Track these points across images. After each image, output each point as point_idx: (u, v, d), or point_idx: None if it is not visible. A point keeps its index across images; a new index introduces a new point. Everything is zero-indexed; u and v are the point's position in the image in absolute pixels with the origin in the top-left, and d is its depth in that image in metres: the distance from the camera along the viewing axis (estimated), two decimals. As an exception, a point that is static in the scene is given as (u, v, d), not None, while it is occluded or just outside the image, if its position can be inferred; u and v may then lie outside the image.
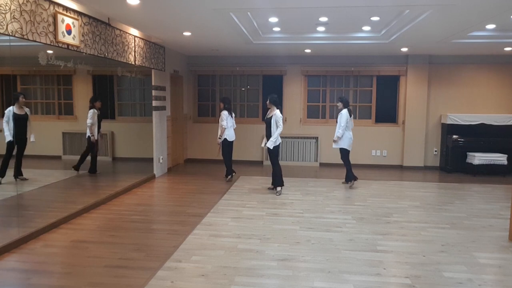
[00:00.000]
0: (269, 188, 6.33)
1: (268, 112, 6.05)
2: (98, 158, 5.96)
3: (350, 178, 6.54)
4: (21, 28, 3.60)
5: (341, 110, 6.50)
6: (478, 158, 7.55)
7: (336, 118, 6.64)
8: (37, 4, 3.81)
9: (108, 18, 5.16)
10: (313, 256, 3.59)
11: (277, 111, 5.88)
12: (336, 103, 7.58)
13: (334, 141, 6.52)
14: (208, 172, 7.80)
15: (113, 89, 6.35)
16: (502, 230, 4.37)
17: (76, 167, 5.68)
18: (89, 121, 5.54)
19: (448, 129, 8.02)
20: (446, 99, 8.36)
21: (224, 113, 6.76)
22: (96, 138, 5.63)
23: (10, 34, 3.47)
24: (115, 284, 3.02)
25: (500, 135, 7.82)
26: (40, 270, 3.27)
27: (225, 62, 8.76)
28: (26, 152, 4.80)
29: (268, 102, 5.97)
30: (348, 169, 6.56)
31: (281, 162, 8.65)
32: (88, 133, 5.57)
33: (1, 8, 3.36)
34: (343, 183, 6.81)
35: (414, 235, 4.21)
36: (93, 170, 5.83)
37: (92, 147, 5.67)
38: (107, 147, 6.19)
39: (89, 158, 5.74)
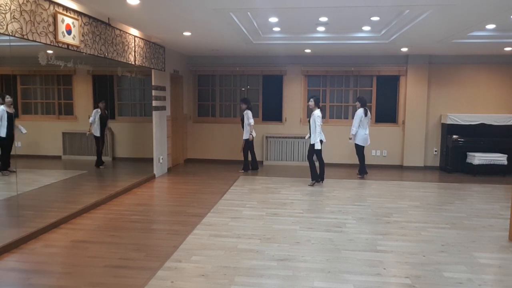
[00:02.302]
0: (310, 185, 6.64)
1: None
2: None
3: (363, 171, 7.35)
4: (21, 28, 3.60)
5: (358, 109, 7.17)
6: (478, 158, 7.55)
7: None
8: (37, 4, 3.81)
9: (108, 18, 5.16)
10: (313, 256, 3.59)
11: (317, 111, 6.46)
12: (353, 102, 8.11)
13: (350, 138, 7.32)
14: (208, 172, 7.80)
15: (113, 89, 6.35)
16: (502, 230, 4.37)
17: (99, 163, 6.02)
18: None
19: (448, 129, 8.02)
20: (446, 99, 8.36)
21: (250, 112, 7.58)
22: (96, 134, 5.90)
23: (10, 34, 3.47)
24: (115, 284, 3.02)
25: (500, 135, 7.82)
26: (40, 270, 3.27)
27: (225, 62, 8.76)
28: (26, 152, 4.81)
29: (312, 103, 6.52)
30: (362, 163, 7.35)
31: (281, 162, 8.75)
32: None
33: (1, 8, 3.36)
34: (357, 174, 7.48)
35: (414, 235, 4.21)
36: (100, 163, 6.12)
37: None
38: (107, 147, 6.19)
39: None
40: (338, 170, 8.09)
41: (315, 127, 6.36)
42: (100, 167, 6.06)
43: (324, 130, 8.61)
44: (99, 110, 5.83)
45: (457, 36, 6.03)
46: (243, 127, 7.65)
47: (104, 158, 6.21)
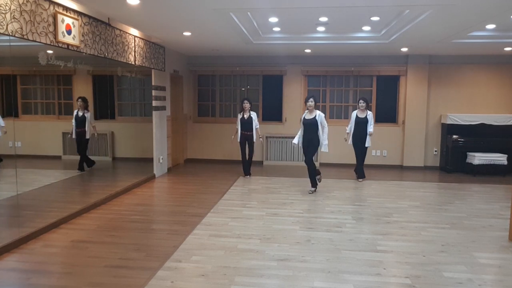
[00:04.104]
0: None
1: (307, 113, 6.01)
2: (98, 158, 6.01)
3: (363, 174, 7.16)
4: (21, 28, 3.60)
5: (364, 109, 6.87)
6: (478, 158, 7.54)
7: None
8: (37, 4, 3.81)
9: (108, 18, 5.16)
10: (313, 256, 3.59)
11: (320, 111, 6.01)
12: (357, 102, 7.25)
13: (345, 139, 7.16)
14: (208, 172, 7.80)
15: (113, 89, 6.34)
16: (502, 230, 4.37)
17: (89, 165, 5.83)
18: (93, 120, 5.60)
19: (448, 129, 8.02)
20: (446, 99, 8.36)
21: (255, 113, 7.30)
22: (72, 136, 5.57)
23: (10, 34, 3.47)
24: (115, 284, 3.02)
25: (500, 135, 7.82)
26: (40, 270, 3.27)
27: (225, 62, 8.76)
28: (26, 152, 4.81)
29: (313, 103, 5.93)
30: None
31: (281, 162, 8.75)
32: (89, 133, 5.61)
33: (1, 8, 3.36)
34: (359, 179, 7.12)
35: (414, 235, 4.21)
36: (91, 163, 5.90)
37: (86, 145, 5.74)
38: (107, 147, 6.19)
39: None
40: (338, 170, 8.09)
41: (324, 128, 5.93)
42: (77, 170, 5.67)
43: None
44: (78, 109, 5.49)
45: (457, 36, 6.03)
46: (245, 128, 7.15)
47: (104, 158, 6.19)
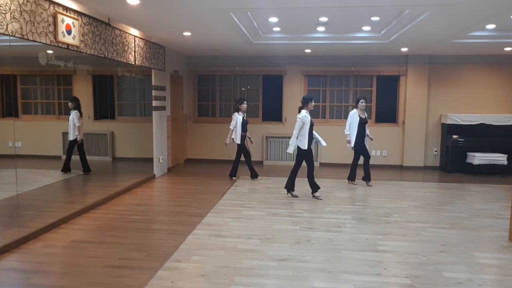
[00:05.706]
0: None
1: (307, 114, 5.78)
2: (98, 158, 6.01)
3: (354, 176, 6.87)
4: (21, 28, 3.60)
5: (364, 109, 6.70)
6: (478, 158, 7.55)
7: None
8: (37, 4, 3.81)
9: (108, 18, 5.16)
10: (313, 256, 3.59)
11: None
12: (357, 102, 6.69)
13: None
14: (208, 172, 7.80)
15: (113, 89, 6.35)
16: (502, 230, 4.37)
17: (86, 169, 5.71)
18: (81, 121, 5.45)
19: (448, 129, 8.02)
20: (446, 99, 8.37)
21: None
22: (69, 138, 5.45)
23: (10, 34, 3.47)
24: (115, 284, 3.02)
25: (500, 135, 7.82)
26: (40, 270, 3.27)
27: (225, 62, 8.76)
28: (26, 152, 4.81)
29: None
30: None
31: (282, 162, 8.75)
32: (79, 135, 5.44)
33: (1, 8, 3.36)
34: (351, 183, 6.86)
35: (414, 235, 4.21)
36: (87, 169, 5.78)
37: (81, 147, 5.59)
38: (107, 147, 6.18)
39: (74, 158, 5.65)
40: (339, 170, 8.09)
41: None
42: (81, 173, 5.60)
43: (324, 130, 8.66)
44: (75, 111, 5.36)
45: (457, 36, 6.03)
46: (245, 129, 6.92)
47: (104, 158, 6.19)
